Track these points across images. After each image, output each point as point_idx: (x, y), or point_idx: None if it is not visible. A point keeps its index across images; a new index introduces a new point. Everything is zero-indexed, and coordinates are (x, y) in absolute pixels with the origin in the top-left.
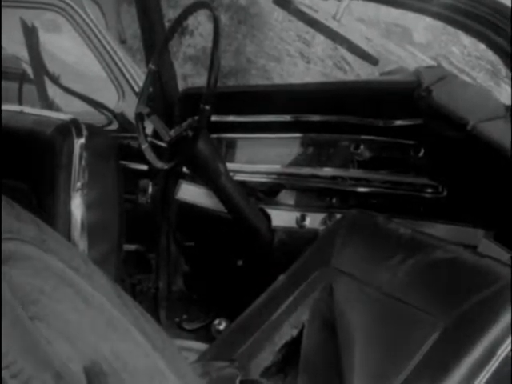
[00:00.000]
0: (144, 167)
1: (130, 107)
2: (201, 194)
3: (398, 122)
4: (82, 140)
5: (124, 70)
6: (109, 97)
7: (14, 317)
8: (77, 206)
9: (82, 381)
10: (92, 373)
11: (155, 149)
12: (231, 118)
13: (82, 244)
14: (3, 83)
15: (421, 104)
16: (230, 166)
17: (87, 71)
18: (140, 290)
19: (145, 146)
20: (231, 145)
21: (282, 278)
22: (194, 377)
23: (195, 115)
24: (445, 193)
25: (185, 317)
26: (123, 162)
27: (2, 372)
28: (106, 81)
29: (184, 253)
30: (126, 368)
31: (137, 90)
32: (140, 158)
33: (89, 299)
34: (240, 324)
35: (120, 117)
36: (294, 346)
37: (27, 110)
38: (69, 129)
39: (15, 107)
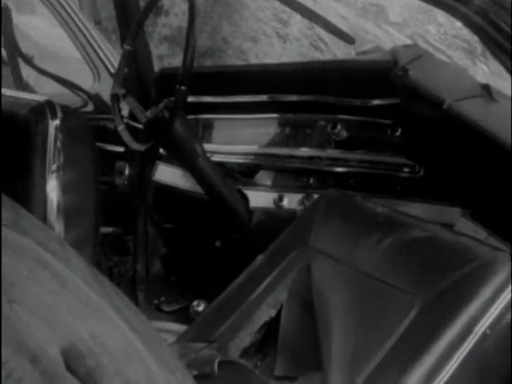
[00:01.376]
0: (120, 149)
1: (105, 89)
2: (178, 176)
3: (375, 102)
4: (57, 121)
5: (99, 52)
6: (84, 79)
7: None
8: (52, 189)
9: (60, 363)
10: (70, 355)
11: (131, 130)
12: (208, 99)
13: (58, 227)
14: None
15: (397, 83)
16: (207, 146)
17: (62, 53)
18: (117, 273)
19: (121, 128)
20: (208, 125)
21: (260, 258)
22: (172, 358)
23: (171, 96)
24: (422, 172)
25: (163, 299)
26: (99, 144)
27: None
28: (81, 62)
29: (162, 235)
30: (103, 350)
31: (112, 71)
32: (116, 139)
33: (66, 282)
34: (218, 305)
35: (95, 98)
36: (272, 326)
37: (3, 91)
38: (43, 110)
39: None
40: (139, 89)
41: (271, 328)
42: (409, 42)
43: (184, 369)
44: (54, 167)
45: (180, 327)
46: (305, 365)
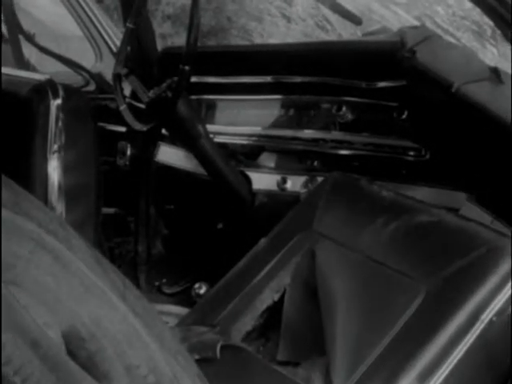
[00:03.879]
0: (122, 129)
1: (107, 68)
2: (180, 156)
3: (381, 84)
4: (59, 101)
5: (101, 30)
6: (86, 57)
7: None
8: (53, 169)
9: (61, 347)
10: (70, 338)
11: (133, 110)
12: (211, 79)
13: (60, 207)
14: None
15: (404, 65)
16: (209, 127)
17: (64, 31)
18: (119, 254)
19: (123, 108)
20: (211, 106)
21: (263, 241)
22: (174, 342)
23: (175, 75)
24: (428, 155)
25: (164, 280)
26: (101, 124)
27: None
28: (83, 41)
29: (163, 216)
30: (105, 333)
31: (114, 50)
32: (118, 119)
33: (67, 264)
34: (221, 288)
35: (97, 77)
36: (275, 310)
37: (2, 70)
38: (45, 89)
39: None
40: (142, 68)
41: (274, 312)
42: (416, 23)
43: (186, 353)
44: (55, 147)
45: (181, 309)
46: (308, 350)
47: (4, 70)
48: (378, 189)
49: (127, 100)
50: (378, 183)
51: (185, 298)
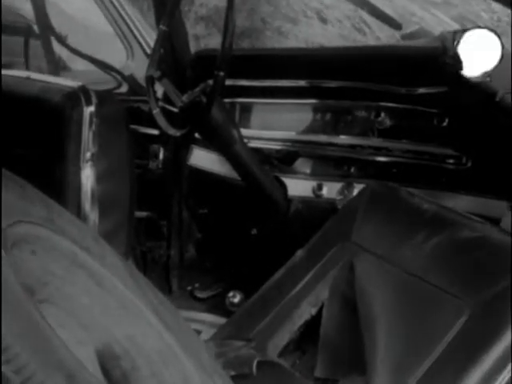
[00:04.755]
0: (155, 132)
1: (138, 68)
2: (214, 160)
3: (421, 90)
4: (92, 108)
5: (133, 29)
6: (118, 56)
7: (16, 304)
8: (87, 177)
9: (95, 364)
10: (105, 356)
11: (166, 113)
12: (246, 83)
13: (93, 216)
14: (9, 37)
15: (446, 72)
16: (244, 131)
17: (96, 28)
18: (151, 258)
19: (156, 111)
20: (245, 110)
21: (300, 252)
22: (210, 360)
23: (208, 79)
24: (469, 164)
25: (197, 285)
26: (133, 127)
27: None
28: (114, 39)
29: (196, 220)
30: (139, 351)
31: (147, 51)
32: (151, 122)
33: (101, 281)
34: (257, 300)
35: (130, 79)
36: (312, 323)
37: (34, 75)
38: (78, 96)
39: (22, 73)
40: (175, 71)
41: (311, 326)
42: (456, 25)
43: (222, 371)
44: (88, 155)
45: (215, 318)
46: (347, 367)
47: (37, 76)
48: (420, 201)
49: (160, 103)
50: (418, 192)
51: (219, 306)
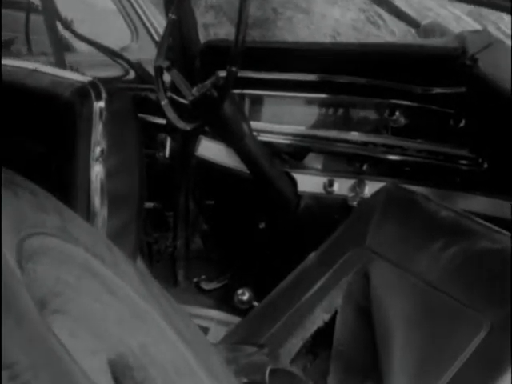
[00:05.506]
0: (162, 121)
1: (142, 49)
2: (222, 152)
3: (438, 90)
4: (102, 103)
5: (138, 10)
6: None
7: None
8: (96, 174)
9: (107, 375)
10: (117, 366)
11: (175, 104)
12: (257, 75)
13: (103, 212)
14: (10, 12)
15: (465, 73)
16: (253, 124)
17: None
18: (157, 250)
19: (164, 103)
20: (255, 102)
21: (312, 256)
22: (221, 367)
23: (217, 69)
24: (485, 165)
25: (203, 277)
26: (140, 115)
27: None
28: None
29: (203, 211)
30: (153, 362)
31: (153, 35)
32: (158, 110)
33: (114, 290)
34: (268, 304)
35: (137, 66)
36: (325, 331)
37: (42, 68)
38: (88, 91)
39: (29, 64)
40: (183, 60)
41: (324, 333)
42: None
43: (234, 379)
44: (98, 151)
45: (223, 315)
46: (361, 376)
47: (45, 68)
48: (437, 207)
49: (168, 94)
50: (436, 200)
51: (227, 303)
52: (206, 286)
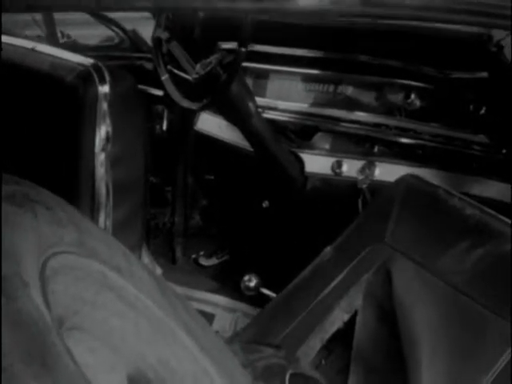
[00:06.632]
0: (159, 92)
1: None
2: (222, 126)
3: (459, 74)
4: (106, 87)
5: None
6: None
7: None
8: (101, 163)
9: None
10: (137, 381)
11: (175, 78)
12: (263, 48)
13: (108, 202)
14: None
15: (490, 59)
16: (258, 100)
17: None
18: (155, 225)
19: (165, 78)
20: (261, 76)
21: (328, 250)
22: (242, 376)
23: (219, 40)
24: (504, 152)
25: (202, 253)
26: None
27: None
28: None
29: (202, 186)
30: (173, 375)
31: None
32: (155, 81)
33: (132, 302)
34: (283, 301)
35: (132, 34)
36: (344, 330)
37: (40, 47)
38: (91, 75)
39: (26, 43)
40: (183, 32)
41: (343, 334)
42: None
43: None
44: (103, 138)
45: (229, 301)
46: (383, 380)
47: (43, 48)
48: (461, 204)
49: (168, 67)
50: (459, 195)
51: (234, 290)
52: (204, 262)
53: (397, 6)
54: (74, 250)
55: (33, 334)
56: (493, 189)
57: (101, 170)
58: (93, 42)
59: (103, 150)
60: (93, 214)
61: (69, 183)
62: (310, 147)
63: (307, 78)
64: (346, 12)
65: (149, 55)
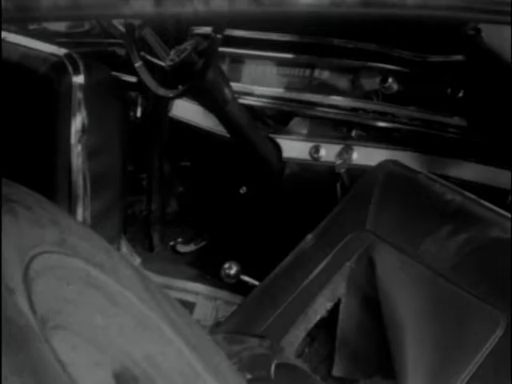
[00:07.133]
0: (132, 78)
1: None
2: (197, 112)
3: (435, 58)
4: (80, 78)
5: None
6: None
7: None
8: (78, 155)
9: None
10: (122, 378)
11: (148, 65)
12: (238, 33)
13: (85, 195)
14: None
15: (466, 43)
16: (234, 85)
17: None
18: (131, 213)
19: (138, 65)
20: (236, 61)
21: (309, 237)
22: (229, 370)
23: (193, 25)
24: (481, 135)
25: (179, 240)
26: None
27: None
28: None
29: (178, 173)
30: (159, 372)
31: None
32: (127, 67)
33: (116, 299)
34: (265, 290)
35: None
36: (327, 318)
37: (11, 37)
38: (64, 66)
39: None
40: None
41: (327, 322)
42: None
43: (241, 380)
44: (78, 130)
45: (209, 289)
46: (368, 367)
47: (14, 38)
48: (442, 189)
49: (141, 53)
50: (440, 180)
51: (214, 277)
52: (182, 248)
53: (397, 5)
54: (55, 249)
55: (22, 343)
56: (471, 171)
57: (77, 162)
58: (63, 28)
59: (79, 141)
60: (70, 207)
61: (45, 176)
62: (287, 132)
63: (283, 63)
64: (346, 13)
65: (121, 41)
